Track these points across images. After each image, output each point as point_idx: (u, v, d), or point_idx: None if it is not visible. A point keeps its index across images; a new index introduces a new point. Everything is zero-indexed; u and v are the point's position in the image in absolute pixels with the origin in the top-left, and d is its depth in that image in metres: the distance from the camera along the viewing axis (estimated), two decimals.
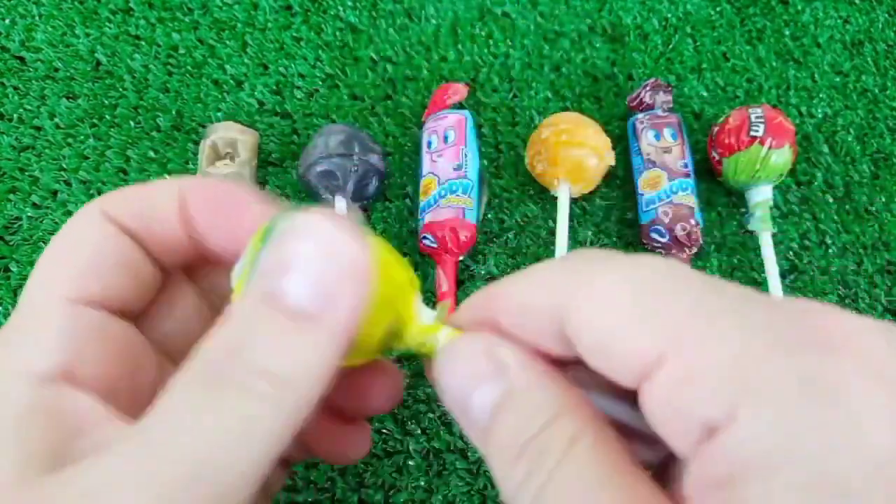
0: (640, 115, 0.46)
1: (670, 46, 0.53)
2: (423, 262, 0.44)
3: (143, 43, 0.51)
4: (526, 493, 0.14)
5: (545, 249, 0.44)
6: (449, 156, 0.44)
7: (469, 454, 0.38)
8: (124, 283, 0.18)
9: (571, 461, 0.13)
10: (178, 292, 0.21)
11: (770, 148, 0.42)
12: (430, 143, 0.45)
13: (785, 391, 0.12)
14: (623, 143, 0.48)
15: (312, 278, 0.15)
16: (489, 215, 0.45)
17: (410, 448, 0.38)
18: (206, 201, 0.18)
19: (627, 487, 0.13)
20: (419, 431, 0.38)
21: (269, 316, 0.14)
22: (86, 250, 0.17)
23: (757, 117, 0.43)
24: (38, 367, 0.15)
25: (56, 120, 0.47)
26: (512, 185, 0.46)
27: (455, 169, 0.43)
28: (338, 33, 0.52)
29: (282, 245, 0.15)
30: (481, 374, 0.16)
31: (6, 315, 0.40)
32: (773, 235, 0.44)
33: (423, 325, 0.18)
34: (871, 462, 0.11)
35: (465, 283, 0.43)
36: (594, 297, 0.14)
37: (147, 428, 0.14)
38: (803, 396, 0.11)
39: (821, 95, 0.51)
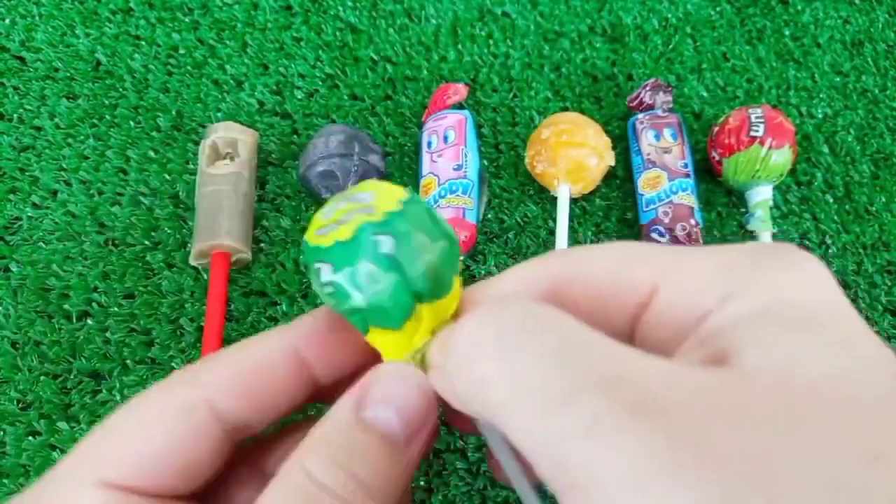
0: (640, 115, 0.46)
1: (670, 46, 0.53)
2: None
3: (143, 43, 0.51)
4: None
5: (545, 249, 0.44)
6: (449, 156, 0.44)
7: (469, 454, 0.38)
8: (182, 480, 0.17)
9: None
10: (245, 473, 0.20)
11: (770, 148, 0.42)
12: (430, 143, 0.45)
13: (764, 276, 0.15)
14: (623, 143, 0.48)
15: (405, 417, 0.17)
16: (489, 215, 0.45)
17: None
18: (321, 347, 0.18)
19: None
20: None
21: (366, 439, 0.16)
22: (157, 439, 0.16)
23: (757, 117, 0.43)
24: None
25: (56, 120, 0.47)
26: (512, 185, 0.46)
27: (455, 169, 0.43)
28: (338, 33, 0.52)
29: (385, 385, 0.17)
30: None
31: (5, 316, 0.40)
32: (773, 235, 0.44)
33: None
34: (830, 302, 0.14)
35: (465, 284, 0.43)
36: (599, 252, 0.17)
37: None
38: (780, 280, 0.15)
39: (821, 95, 0.51)
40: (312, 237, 0.17)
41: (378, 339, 0.17)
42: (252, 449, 0.20)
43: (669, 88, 0.47)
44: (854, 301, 0.43)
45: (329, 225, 0.17)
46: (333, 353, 0.18)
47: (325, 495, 0.15)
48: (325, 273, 0.16)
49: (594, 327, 0.14)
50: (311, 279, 0.17)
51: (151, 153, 0.46)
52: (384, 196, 0.17)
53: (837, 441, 0.12)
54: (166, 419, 0.16)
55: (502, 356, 0.14)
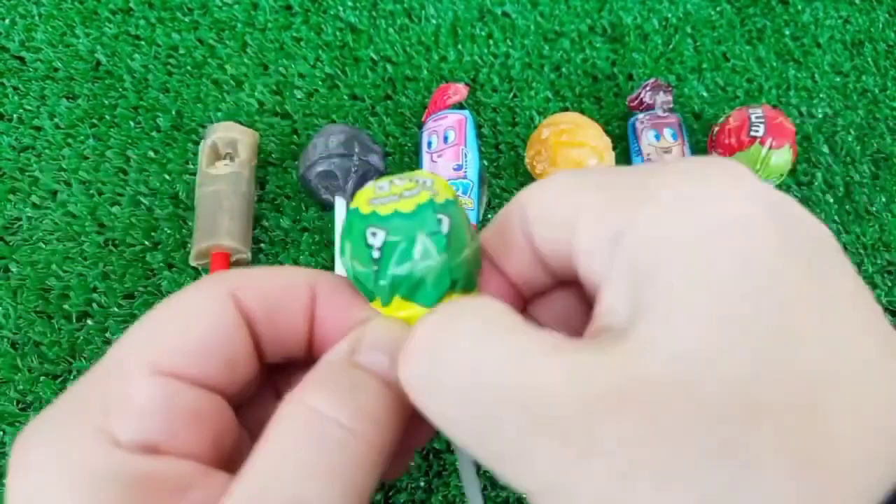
0: (640, 115, 0.46)
1: (670, 46, 0.53)
2: None
3: (143, 43, 0.51)
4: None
5: None
6: (449, 156, 0.44)
7: None
8: (225, 372, 0.17)
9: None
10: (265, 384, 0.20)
11: (770, 148, 0.42)
12: (430, 144, 0.45)
13: (669, 203, 0.15)
14: (623, 143, 0.48)
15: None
16: (489, 215, 0.45)
17: None
18: (333, 302, 0.18)
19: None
20: None
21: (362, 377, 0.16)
22: (200, 329, 0.17)
23: (757, 117, 0.43)
24: (122, 437, 0.15)
25: (56, 120, 0.47)
26: (512, 185, 0.46)
27: (455, 169, 0.43)
28: (338, 33, 0.52)
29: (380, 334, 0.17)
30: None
31: (5, 316, 0.40)
32: None
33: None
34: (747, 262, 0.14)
35: None
36: (543, 191, 0.17)
37: (247, 475, 0.15)
38: (682, 204, 0.14)
39: (821, 95, 0.51)
40: (365, 205, 0.17)
41: (400, 308, 0.18)
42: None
43: (669, 88, 0.47)
44: None
45: (387, 197, 0.17)
46: (339, 314, 0.18)
47: (334, 427, 0.15)
48: (378, 238, 0.17)
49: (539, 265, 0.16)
50: (349, 246, 0.18)
51: (151, 153, 0.46)
52: (443, 186, 0.18)
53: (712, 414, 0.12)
54: (208, 308, 0.17)
55: (435, 376, 0.15)
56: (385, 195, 0.18)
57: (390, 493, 0.36)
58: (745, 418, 0.12)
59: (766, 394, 0.12)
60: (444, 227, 0.17)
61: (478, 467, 0.17)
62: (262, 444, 0.15)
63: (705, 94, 0.51)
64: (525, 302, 0.19)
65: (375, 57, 0.51)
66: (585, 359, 0.13)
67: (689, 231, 0.14)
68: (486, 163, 0.47)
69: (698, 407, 0.12)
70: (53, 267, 0.42)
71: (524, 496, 0.14)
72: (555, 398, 0.13)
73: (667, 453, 0.12)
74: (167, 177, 0.45)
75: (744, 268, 0.13)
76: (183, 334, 0.16)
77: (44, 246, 0.43)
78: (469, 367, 0.14)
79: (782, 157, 0.43)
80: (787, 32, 0.54)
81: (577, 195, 0.16)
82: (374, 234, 0.17)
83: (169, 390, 0.16)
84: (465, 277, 0.18)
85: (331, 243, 0.43)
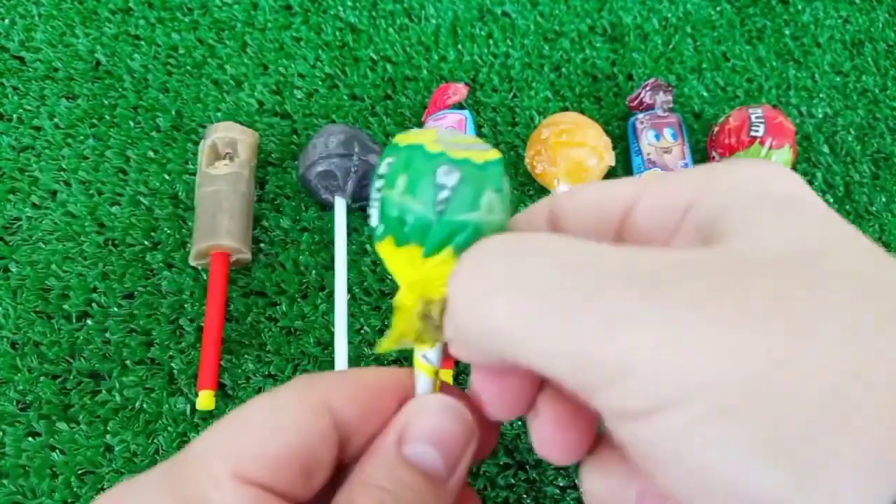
0: (640, 115, 0.46)
1: (670, 46, 0.53)
2: None
3: (142, 43, 0.51)
4: None
5: None
6: None
7: None
8: (304, 482, 0.16)
9: None
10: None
11: (770, 148, 0.42)
12: None
13: (737, 171, 0.16)
14: (623, 143, 0.48)
15: (446, 452, 0.17)
16: None
17: None
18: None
19: None
20: None
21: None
22: (292, 440, 0.16)
23: (757, 117, 0.43)
24: None
25: (56, 120, 0.47)
26: (512, 185, 0.46)
27: None
28: (338, 33, 0.52)
29: (424, 416, 0.17)
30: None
31: (5, 316, 0.40)
32: None
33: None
34: (800, 192, 0.15)
35: None
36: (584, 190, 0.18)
37: None
38: (753, 174, 0.16)
39: (821, 95, 0.51)
40: (432, 144, 0.17)
41: (439, 264, 0.17)
42: None
43: (669, 88, 0.47)
44: None
45: (454, 143, 0.17)
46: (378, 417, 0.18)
47: None
48: (451, 178, 0.16)
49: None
50: (405, 180, 0.17)
51: (151, 153, 0.46)
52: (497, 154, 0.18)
53: (847, 289, 0.12)
54: (301, 416, 0.16)
55: (503, 287, 0.14)
56: (451, 141, 0.17)
57: None
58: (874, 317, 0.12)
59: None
60: (506, 188, 0.17)
61: None
62: None
63: (705, 94, 0.51)
64: None
65: (375, 57, 0.51)
66: (693, 251, 0.14)
67: (758, 190, 0.15)
68: None
69: (828, 283, 0.12)
70: (53, 267, 0.42)
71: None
72: (668, 271, 0.13)
73: (798, 308, 0.12)
74: (167, 177, 0.45)
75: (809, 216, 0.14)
76: (274, 443, 0.16)
77: (43, 246, 0.43)
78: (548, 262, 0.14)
79: (782, 157, 0.43)
80: (787, 32, 0.54)
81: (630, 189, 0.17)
82: (447, 174, 0.16)
83: (251, 499, 0.15)
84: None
85: (331, 243, 0.43)
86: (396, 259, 0.17)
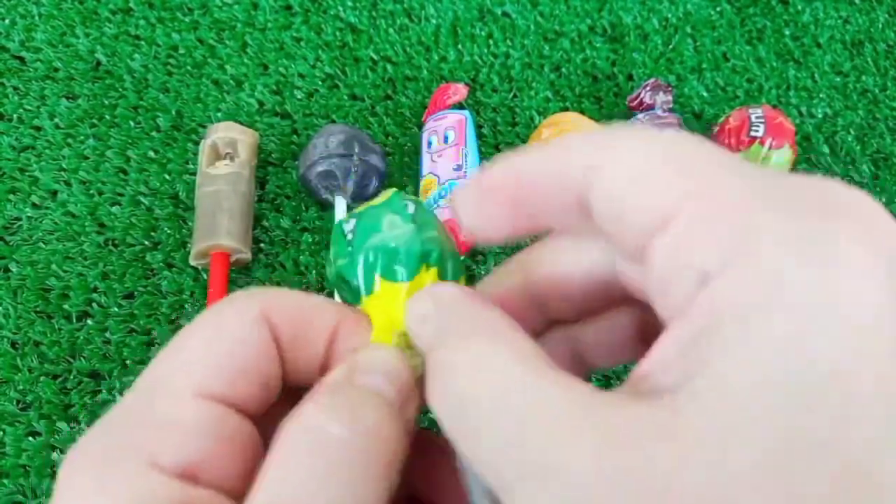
0: (640, 115, 0.46)
1: (670, 46, 0.53)
2: None
3: (143, 43, 0.51)
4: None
5: None
6: (449, 156, 0.44)
7: None
8: (256, 391, 0.17)
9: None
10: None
11: (770, 148, 0.42)
12: (430, 144, 0.45)
13: (780, 248, 0.12)
14: None
15: (396, 381, 0.17)
16: None
17: None
18: (354, 335, 0.18)
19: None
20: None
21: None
22: (233, 348, 0.16)
23: (757, 117, 0.43)
24: (164, 461, 0.15)
25: (56, 120, 0.47)
26: None
27: (455, 169, 0.43)
28: (338, 33, 0.52)
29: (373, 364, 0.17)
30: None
31: (5, 316, 0.40)
32: None
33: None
34: (844, 345, 0.11)
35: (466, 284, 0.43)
36: (616, 158, 0.14)
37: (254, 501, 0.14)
38: (797, 255, 0.12)
39: (821, 95, 0.51)
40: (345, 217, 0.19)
41: (383, 295, 0.18)
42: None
43: (669, 88, 0.47)
44: None
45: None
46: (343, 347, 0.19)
47: (338, 444, 0.15)
48: (351, 224, 0.19)
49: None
50: (332, 251, 0.19)
51: (151, 153, 0.46)
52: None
53: None
54: (247, 329, 0.17)
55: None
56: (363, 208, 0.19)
57: None
58: None
59: None
60: (411, 209, 0.19)
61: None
62: (268, 467, 0.15)
63: (705, 94, 0.51)
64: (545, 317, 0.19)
65: (375, 57, 0.51)
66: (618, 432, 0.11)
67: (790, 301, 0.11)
68: (486, 163, 0.47)
69: None
70: (53, 267, 0.42)
71: None
72: (581, 481, 0.11)
73: None
74: (167, 177, 0.45)
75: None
76: (227, 357, 0.16)
77: (44, 246, 0.43)
78: (491, 402, 0.13)
79: (782, 156, 0.43)
80: (787, 32, 0.54)
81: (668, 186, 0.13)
82: (348, 224, 0.19)
83: (216, 414, 0.16)
84: (439, 254, 0.18)
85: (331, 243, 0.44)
86: (363, 309, 0.19)
